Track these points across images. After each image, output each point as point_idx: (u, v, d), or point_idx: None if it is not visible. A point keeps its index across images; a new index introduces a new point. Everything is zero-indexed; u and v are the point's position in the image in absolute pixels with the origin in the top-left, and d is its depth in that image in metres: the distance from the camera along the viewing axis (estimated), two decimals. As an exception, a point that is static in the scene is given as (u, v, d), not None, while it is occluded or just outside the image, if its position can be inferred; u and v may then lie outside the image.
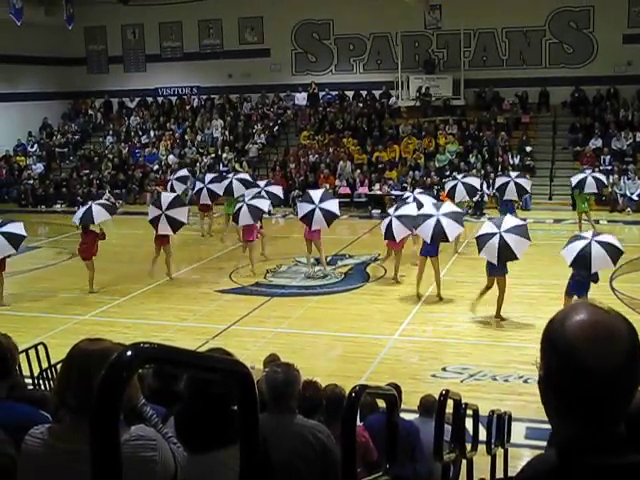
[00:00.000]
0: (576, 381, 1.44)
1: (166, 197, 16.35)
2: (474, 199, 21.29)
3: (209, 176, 20.84)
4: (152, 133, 30.21)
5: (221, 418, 2.78)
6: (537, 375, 1.55)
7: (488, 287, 12.81)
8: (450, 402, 4.96)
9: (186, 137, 29.43)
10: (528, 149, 25.04)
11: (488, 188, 22.48)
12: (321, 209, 15.39)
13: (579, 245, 11.16)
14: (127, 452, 2.21)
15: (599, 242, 11.11)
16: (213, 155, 28.17)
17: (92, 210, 15.18)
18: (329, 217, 15.55)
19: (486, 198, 22.91)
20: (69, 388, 2.29)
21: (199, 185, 20.33)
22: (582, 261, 11.03)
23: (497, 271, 12.43)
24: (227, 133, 29.16)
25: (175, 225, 15.63)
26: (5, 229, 14.14)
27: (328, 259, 16.83)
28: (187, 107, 31.01)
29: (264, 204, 16.53)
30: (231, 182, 19.25)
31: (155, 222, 15.57)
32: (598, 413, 1.45)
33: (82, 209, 15.62)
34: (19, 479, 2.38)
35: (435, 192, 22.41)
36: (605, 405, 1.45)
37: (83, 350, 2.32)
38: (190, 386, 2.90)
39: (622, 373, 1.44)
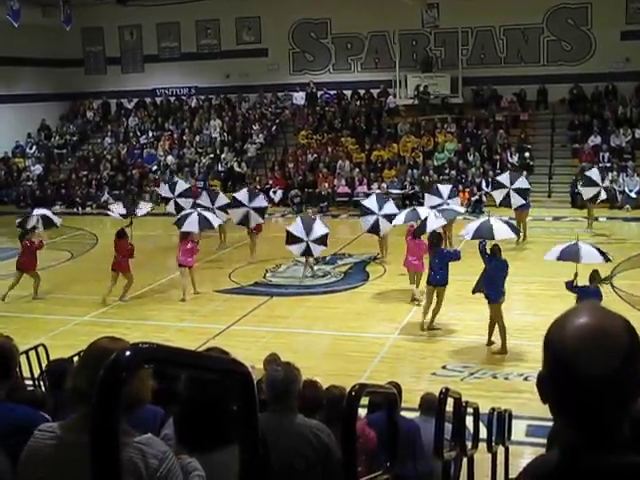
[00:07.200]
0: (571, 384, 1.42)
1: (242, 195, 17.73)
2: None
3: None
4: (150, 134, 30.18)
5: (221, 418, 2.77)
6: (537, 372, 1.54)
7: None
8: (450, 400, 4.97)
9: (184, 137, 29.41)
10: (527, 154, 24.89)
11: (487, 186, 22.43)
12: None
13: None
14: (130, 451, 2.21)
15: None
16: (212, 155, 28.16)
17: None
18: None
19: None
20: (83, 376, 2.29)
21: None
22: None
23: None
24: (225, 133, 29.14)
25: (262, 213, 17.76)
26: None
27: (327, 258, 16.81)
28: (185, 107, 30.98)
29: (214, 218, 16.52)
30: None
31: (245, 220, 17.36)
32: (595, 415, 1.43)
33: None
34: (24, 472, 2.37)
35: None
36: (602, 408, 1.43)
37: (103, 348, 2.31)
38: (189, 386, 2.89)
39: (619, 377, 1.41)
